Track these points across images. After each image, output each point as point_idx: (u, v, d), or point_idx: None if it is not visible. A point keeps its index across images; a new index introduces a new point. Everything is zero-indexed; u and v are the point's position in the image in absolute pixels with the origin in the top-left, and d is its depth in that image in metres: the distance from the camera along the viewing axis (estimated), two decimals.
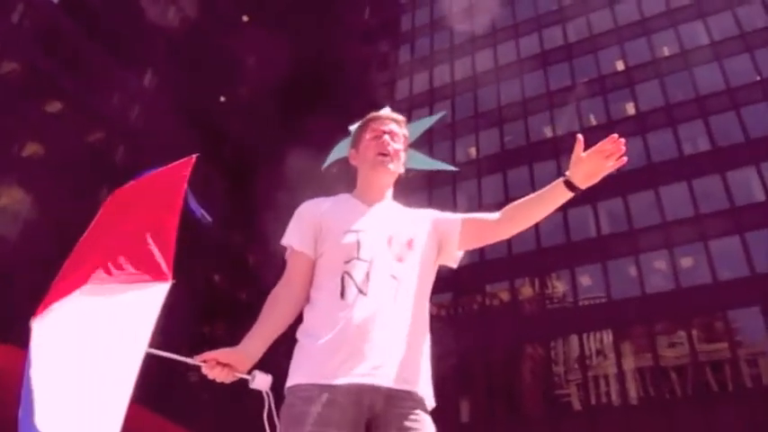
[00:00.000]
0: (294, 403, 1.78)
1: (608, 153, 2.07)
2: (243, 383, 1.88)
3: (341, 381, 1.78)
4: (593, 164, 2.08)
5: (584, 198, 29.77)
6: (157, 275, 1.94)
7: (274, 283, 2.07)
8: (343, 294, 1.92)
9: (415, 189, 30.59)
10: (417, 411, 1.85)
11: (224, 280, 35.28)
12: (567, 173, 2.10)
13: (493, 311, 28.47)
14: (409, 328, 1.93)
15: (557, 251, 28.43)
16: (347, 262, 1.96)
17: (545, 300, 28.60)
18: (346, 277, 1.94)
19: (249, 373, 1.85)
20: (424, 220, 2.16)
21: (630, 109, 31.55)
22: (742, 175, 26.93)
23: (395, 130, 2.22)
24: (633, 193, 28.19)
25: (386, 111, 2.31)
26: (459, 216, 2.19)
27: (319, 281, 2.01)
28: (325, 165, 2.50)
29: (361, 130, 2.26)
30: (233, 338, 1.98)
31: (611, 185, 28.69)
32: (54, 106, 27.55)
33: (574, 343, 26.68)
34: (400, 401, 1.82)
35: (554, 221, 29.33)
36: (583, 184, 2.10)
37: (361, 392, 1.78)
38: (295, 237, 2.07)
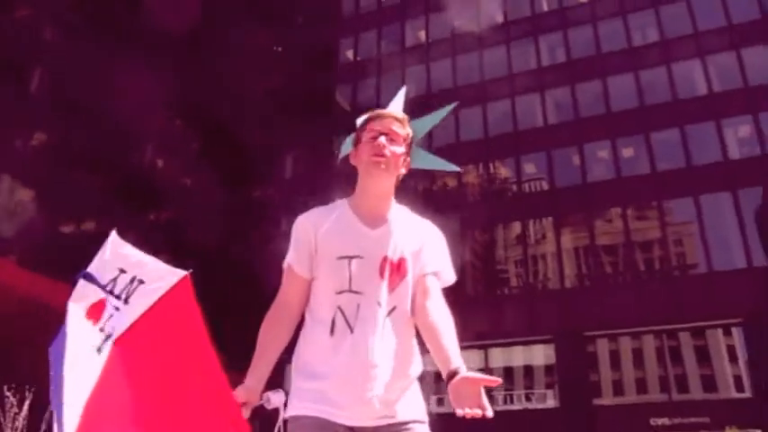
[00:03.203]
0: None
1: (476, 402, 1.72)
2: None
3: (336, 419, 1.88)
4: (468, 394, 1.72)
5: (533, 86, 29.90)
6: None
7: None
8: (332, 331, 1.95)
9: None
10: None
11: (168, 165, 34.62)
12: (460, 374, 1.75)
13: (438, 197, 28.89)
14: (396, 360, 1.96)
15: (503, 139, 28.73)
16: (339, 293, 1.97)
17: (490, 187, 29.15)
18: (338, 312, 1.96)
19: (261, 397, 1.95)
20: (417, 242, 2.08)
21: None
22: (686, 68, 27.26)
23: (396, 130, 2.08)
24: (581, 82, 28.34)
25: (390, 108, 2.21)
26: (430, 269, 2.06)
27: (314, 307, 2.03)
28: (340, 157, 2.36)
29: (361, 129, 2.14)
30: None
31: (560, 75, 28.79)
32: None
33: (516, 229, 27.54)
34: (395, 428, 1.93)
35: (502, 110, 29.48)
36: (453, 395, 1.77)
37: (355, 429, 1.90)
38: (293, 257, 2.04)
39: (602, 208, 26.71)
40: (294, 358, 2.02)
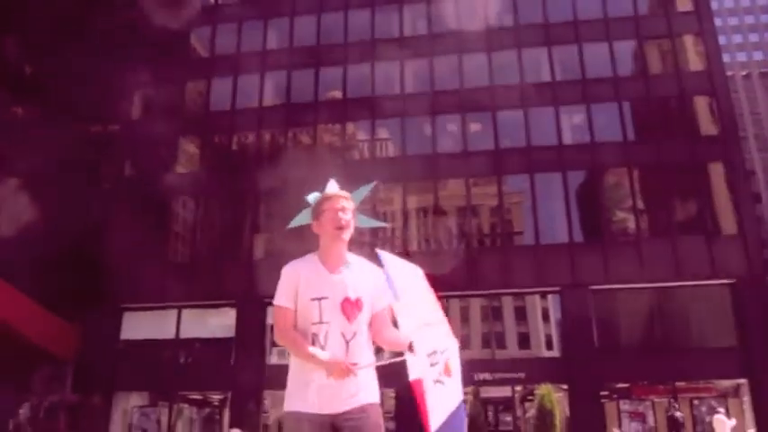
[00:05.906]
0: (291, 427, 2.75)
1: None
2: None
3: (314, 411, 2.70)
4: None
5: (394, 54, 30.30)
6: None
7: None
8: None
9: None
10: (365, 411, 2.75)
11: None
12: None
13: (297, 156, 28.78)
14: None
15: (360, 103, 29.23)
16: (313, 324, 2.75)
17: (343, 146, 29.60)
18: (314, 338, 2.74)
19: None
20: (370, 284, 2.88)
21: None
22: (535, 55, 29.16)
23: (345, 205, 2.90)
24: (438, 56, 29.38)
25: (334, 189, 2.97)
26: (381, 306, 2.89)
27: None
28: (291, 226, 3.08)
29: (319, 206, 2.93)
30: None
31: (420, 46, 29.65)
32: None
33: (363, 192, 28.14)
34: (351, 414, 2.73)
35: (361, 73, 29.89)
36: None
37: (325, 416, 2.71)
38: (284, 299, 2.80)
39: (446, 177, 28.14)
40: (291, 368, 2.81)
